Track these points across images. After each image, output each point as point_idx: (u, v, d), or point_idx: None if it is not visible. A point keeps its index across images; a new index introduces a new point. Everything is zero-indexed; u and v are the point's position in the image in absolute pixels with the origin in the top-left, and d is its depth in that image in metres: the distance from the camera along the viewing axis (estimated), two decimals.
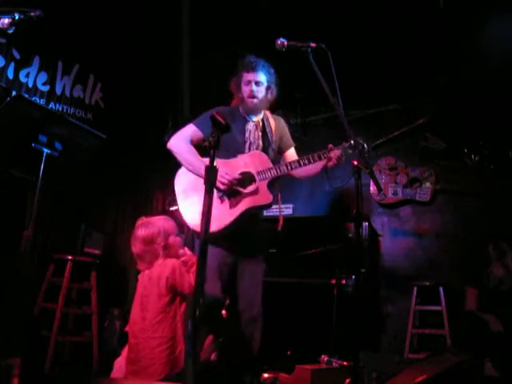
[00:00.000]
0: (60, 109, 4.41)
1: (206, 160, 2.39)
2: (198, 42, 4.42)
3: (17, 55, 4.13)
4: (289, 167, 2.67)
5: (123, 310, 4.46)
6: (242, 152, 2.72)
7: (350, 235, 4.16)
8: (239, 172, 2.65)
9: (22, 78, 4.17)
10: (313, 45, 2.40)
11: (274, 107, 3.02)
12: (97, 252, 4.18)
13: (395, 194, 4.82)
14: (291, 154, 2.94)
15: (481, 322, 3.78)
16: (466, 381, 2.52)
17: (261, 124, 2.85)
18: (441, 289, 4.20)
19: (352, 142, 2.49)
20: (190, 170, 2.68)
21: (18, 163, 2.48)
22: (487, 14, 3.79)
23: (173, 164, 2.87)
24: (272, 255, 4.40)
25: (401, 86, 4.70)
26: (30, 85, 4.23)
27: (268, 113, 2.94)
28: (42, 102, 4.26)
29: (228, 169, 2.63)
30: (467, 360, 2.52)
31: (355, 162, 2.27)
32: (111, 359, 3.98)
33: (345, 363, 2.79)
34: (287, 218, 5.08)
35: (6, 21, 2.18)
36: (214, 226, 2.46)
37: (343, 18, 4.06)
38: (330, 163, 2.62)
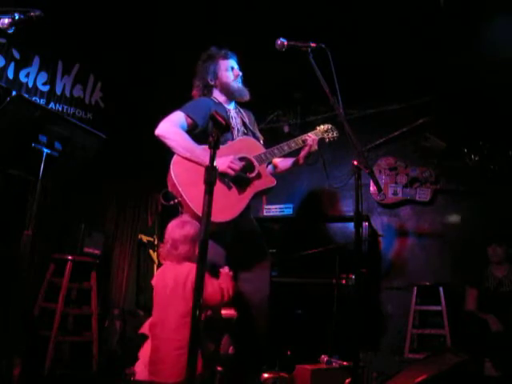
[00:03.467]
0: (60, 109, 4.40)
1: (206, 147, 2.17)
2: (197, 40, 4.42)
3: (17, 55, 4.13)
4: (281, 150, 2.72)
5: (123, 310, 4.46)
6: (230, 138, 2.69)
7: (350, 235, 4.16)
8: (239, 156, 2.59)
9: (22, 78, 4.17)
10: (313, 45, 2.41)
11: (274, 108, 3.07)
12: (97, 252, 4.17)
13: (395, 194, 4.82)
14: None
15: (481, 322, 3.78)
16: (466, 381, 2.52)
17: (239, 112, 2.89)
18: (441, 289, 4.20)
19: (322, 126, 2.82)
20: (188, 158, 2.49)
21: (18, 163, 2.47)
22: (488, 13, 3.79)
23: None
24: (272, 255, 4.42)
25: (401, 86, 4.70)
26: (30, 85, 4.22)
27: (239, 108, 2.94)
28: (42, 102, 4.25)
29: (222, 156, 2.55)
30: (467, 360, 2.52)
31: (355, 162, 2.27)
32: (111, 359, 4.00)
33: (345, 363, 2.79)
34: (287, 218, 5.13)
35: (6, 21, 2.18)
36: (229, 214, 2.45)
37: (343, 17, 4.06)
38: (305, 149, 2.78)
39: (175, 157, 2.51)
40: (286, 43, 2.45)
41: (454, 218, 4.60)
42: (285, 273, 4.30)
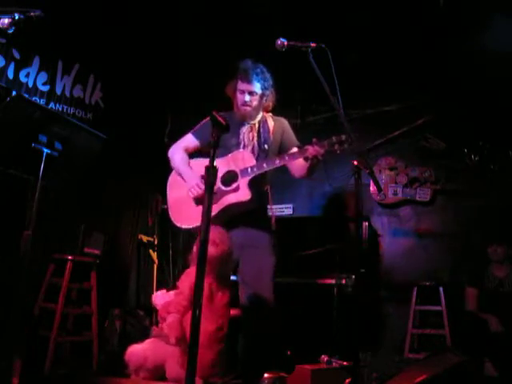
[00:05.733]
0: (60, 109, 4.40)
1: (193, 161, 2.91)
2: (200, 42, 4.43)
3: (17, 55, 4.13)
4: (270, 164, 2.73)
5: (123, 309, 4.46)
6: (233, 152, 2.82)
7: (350, 235, 4.16)
8: (224, 171, 2.76)
9: (22, 78, 4.17)
10: (313, 45, 2.40)
11: (274, 108, 3.06)
12: (97, 252, 4.17)
13: (395, 194, 4.82)
14: None
15: (481, 322, 3.78)
16: (466, 381, 2.52)
17: (256, 126, 2.92)
18: (441, 289, 4.20)
19: (342, 136, 2.57)
20: (178, 174, 2.95)
21: (18, 163, 2.47)
22: (488, 13, 3.79)
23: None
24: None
25: (401, 86, 4.70)
26: (30, 85, 4.22)
27: (268, 114, 3.00)
28: (42, 102, 4.25)
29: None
30: (467, 360, 2.52)
31: (355, 162, 2.27)
32: (111, 359, 3.99)
33: (345, 363, 2.79)
34: (287, 218, 5.13)
35: (6, 21, 2.18)
36: (192, 222, 2.74)
37: (343, 17, 4.06)
38: (308, 161, 2.66)
39: (173, 171, 3.00)
40: (285, 43, 2.44)
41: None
42: (285, 273, 4.30)
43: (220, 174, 2.74)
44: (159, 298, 2.65)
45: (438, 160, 4.70)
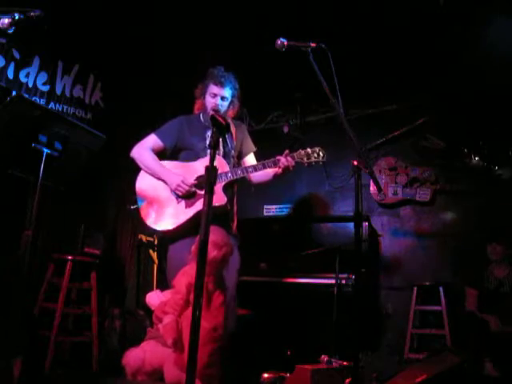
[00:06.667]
0: (60, 109, 4.40)
1: (164, 162, 2.86)
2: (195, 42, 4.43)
3: (17, 55, 4.12)
4: (244, 171, 2.82)
5: (123, 309, 4.46)
6: (203, 157, 2.85)
7: (350, 235, 4.15)
8: (197, 175, 2.80)
9: (22, 78, 4.17)
10: (313, 45, 2.41)
11: (274, 108, 3.08)
12: (97, 252, 4.17)
13: (395, 194, 4.81)
14: (250, 158, 3.08)
15: (481, 322, 3.78)
16: (466, 381, 2.52)
17: None
18: (441, 289, 4.20)
19: (309, 150, 2.80)
20: (150, 174, 2.91)
21: (18, 163, 2.47)
22: (488, 13, 3.79)
23: None
24: (272, 255, 4.42)
25: (401, 86, 4.70)
26: (30, 85, 4.22)
27: (229, 119, 3.01)
28: (42, 102, 4.25)
29: (187, 172, 2.81)
30: (467, 360, 2.53)
31: (355, 162, 2.27)
32: (111, 359, 4.00)
33: (345, 363, 2.79)
34: (287, 218, 5.13)
35: (6, 21, 2.18)
36: (170, 224, 2.76)
37: (343, 17, 4.06)
38: (279, 170, 2.79)
39: (141, 171, 2.96)
40: (285, 43, 2.44)
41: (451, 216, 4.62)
42: (285, 273, 4.30)
43: (193, 178, 2.79)
44: (153, 297, 2.61)
45: (438, 160, 4.70)
